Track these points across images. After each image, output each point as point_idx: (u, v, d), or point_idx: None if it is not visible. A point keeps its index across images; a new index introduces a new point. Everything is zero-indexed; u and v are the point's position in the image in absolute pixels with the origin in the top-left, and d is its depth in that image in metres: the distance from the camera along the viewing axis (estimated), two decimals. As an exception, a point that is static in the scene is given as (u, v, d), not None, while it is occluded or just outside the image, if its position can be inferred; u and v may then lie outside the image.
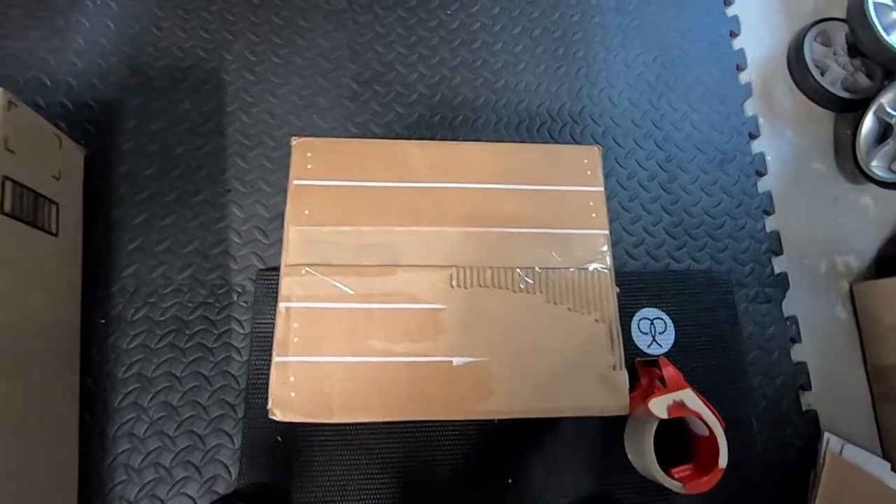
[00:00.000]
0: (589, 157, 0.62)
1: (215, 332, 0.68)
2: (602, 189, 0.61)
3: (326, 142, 0.60)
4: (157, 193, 0.73)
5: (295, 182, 0.57)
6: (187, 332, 0.68)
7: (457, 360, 0.53)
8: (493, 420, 0.65)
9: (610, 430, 0.68)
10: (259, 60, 0.80)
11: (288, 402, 0.50)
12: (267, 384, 0.51)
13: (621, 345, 0.56)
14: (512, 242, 0.57)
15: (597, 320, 0.56)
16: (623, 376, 0.54)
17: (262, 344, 0.67)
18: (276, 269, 0.70)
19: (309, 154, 0.58)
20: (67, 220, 0.64)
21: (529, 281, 0.56)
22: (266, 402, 0.51)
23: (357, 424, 0.64)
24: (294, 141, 0.59)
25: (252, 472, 0.63)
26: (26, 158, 0.57)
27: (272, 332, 0.65)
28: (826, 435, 0.71)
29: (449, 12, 0.86)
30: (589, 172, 0.61)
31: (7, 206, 0.53)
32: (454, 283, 0.55)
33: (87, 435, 0.63)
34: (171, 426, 0.64)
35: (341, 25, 0.83)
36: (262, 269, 0.71)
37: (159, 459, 0.63)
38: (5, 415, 0.51)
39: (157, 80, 0.77)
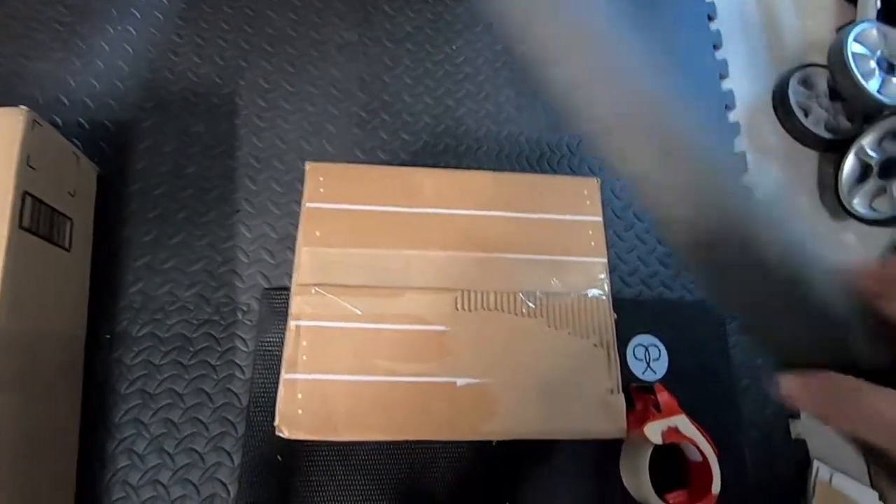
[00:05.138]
0: (588, 188, 0.65)
1: (219, 349, 0.69)
2: (600, 219, 0.64)
3: (339, 167, 0.62)
4: (166, 212, 0.74)
5: (308, 205, 0.59)
6: (191, 349, 0.68)
7: (460, 381, 0.54)
8: (490, 442, 0.66)
9: (606, 454, 0.69)
10: (272, 88, 0.83)
11: (295, 420, 0.51)
12: (268, 402, 0.52)
13: (619, 369, 0.58)
14: (515, 268, 0.60)
15: (595, 345, 0.58)
16: (621, 400, 0.56)
17: (266, 362, 0.68)
18: (282, 288, 0.72)
19: (322, 178, 0.60)
20: (80, 235, 0.66)
21: (531, 305, 0.58)
22: (267, 421, 0.52)
23: (357, 444, 0.65)
24: (308, 165, 0.61)
25: (251, 491, 0.63)
26: (45, 175, 0.59)
27: (276, 351, 0.67)
28: (815, 463, 0.72)
29: (454, 47, 0.91)
30: (588, 202, 0.64)
31: (26, 221, 0.55)
32: (459, 305, 0.57)
33: (86, 450, 0.63)
34: (172, 443, 0.64)
35: (352, 57, 0.87)
36: (267, 289, 0.72)
37: (158, 477, 0.63)
38: (10, 427, 0.51)
39: (171, 103, 0.80)
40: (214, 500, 0.63)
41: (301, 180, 0.65)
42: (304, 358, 0.53)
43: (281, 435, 0.51)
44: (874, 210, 0.84)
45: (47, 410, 0.57)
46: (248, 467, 0.64)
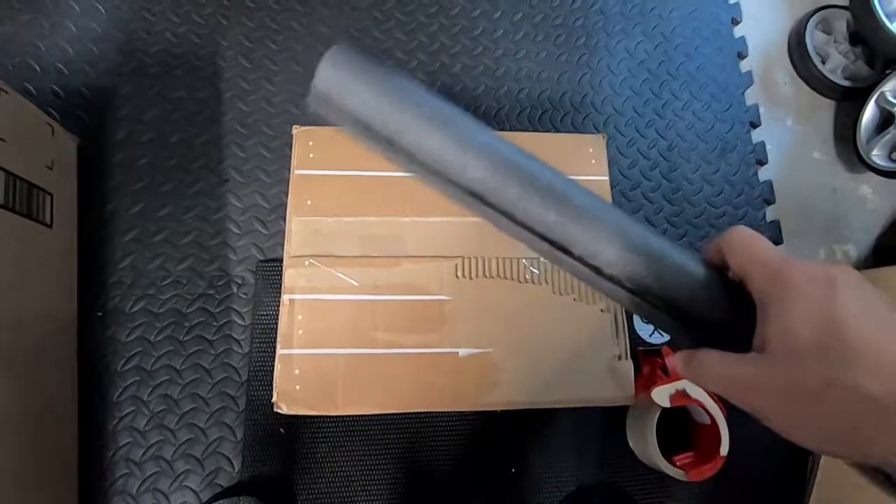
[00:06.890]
0: (594, 146, 0.61)
1: (215, 324, 0.67)
2: (607, 178, 0.60)
3: (329, 130, 0.59)
4: (152, 183, 0.71)
5: (297, 172, 0.56)
6: (186, 324, 0.67)
7: (462, 352, 0.53)
8: (496, 410, 0.65)
9: (612, 418, 0.68)
10: (255, 47, 0.78)
11: (293, 396, 0.50)
12: (268, 376, 0.51)
13: (626, 335, 0.56)
14: (517, 233, 0.57)
15: (602, 310, 0.56)
16: (628, 366, 0.55)
17: (263, 336, 0.66)
18: (276, 260, 0.70)
19: (311, 143, 0.57)
20: (62, 210, 0.63)
21: (535, 271, 0.56)
22: (268, 394, 0.51)
23: (361, 416, 0.64)
24: (295, 130, 0.58)
25: (255, 464, 0.63)
26: (18, 147, 0.55)
27: (273, 324, 0.65)
28: (824, 422, 0.72)
29: (449, -2, 0.85)
30: (594, 161, 0.61)
31: (0, 197, 0.52)
32: (460, 273, 0.55)
33: (86, 429, 0.62)
34: (172, 419, 0.64)
35: (339, 11, 0.81)
36: (261, 261, 0.70)
37: (161, 453, 0.63)
38: (2, 410, 0.50)
39: (150, 67, 0.75)
40: (219, 473, 0.63)
41: (290, 146, 0.61)
42: (300, 332, 0.51)
43: (280, 412, 0.49)
44: (894, 162, 0.80)
45: (40, 392, 0.56)
46: (251, 441, 0.63)
